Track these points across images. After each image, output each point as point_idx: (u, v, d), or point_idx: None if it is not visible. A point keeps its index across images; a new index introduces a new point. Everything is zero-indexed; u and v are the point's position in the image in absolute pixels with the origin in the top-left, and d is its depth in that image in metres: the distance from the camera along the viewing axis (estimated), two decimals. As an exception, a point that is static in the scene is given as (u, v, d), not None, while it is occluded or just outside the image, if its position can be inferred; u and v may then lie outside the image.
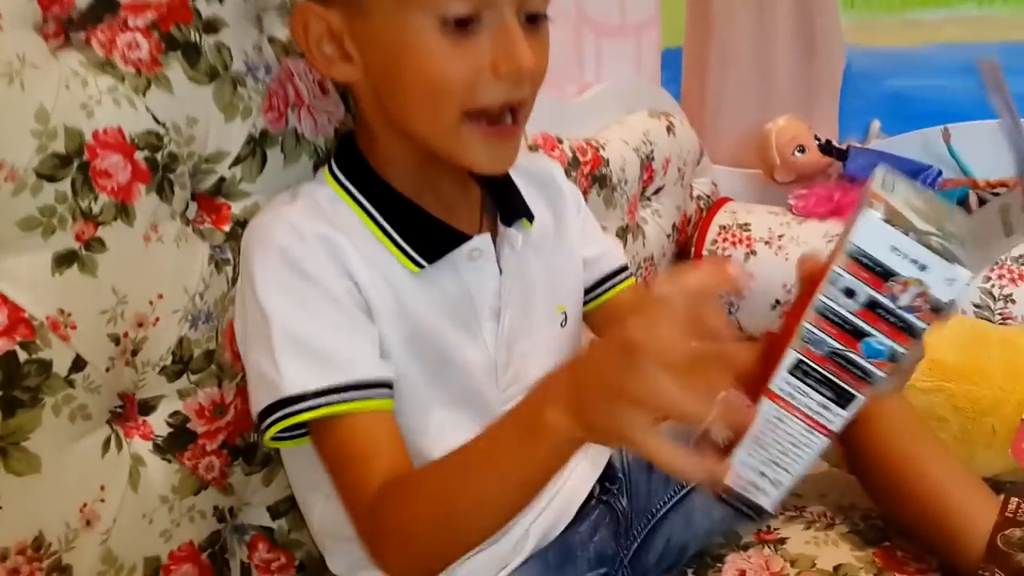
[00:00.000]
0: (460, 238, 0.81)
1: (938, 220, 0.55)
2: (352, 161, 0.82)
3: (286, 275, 0.74)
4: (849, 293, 0.55)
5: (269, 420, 0.73)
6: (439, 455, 0.74)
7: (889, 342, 0.55)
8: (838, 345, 0.56)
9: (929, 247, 0.53)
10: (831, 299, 0.55)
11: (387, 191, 0.80)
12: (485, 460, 0.65)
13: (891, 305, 0.54)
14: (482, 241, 0.82)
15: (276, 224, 0.76)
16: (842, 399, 0.58)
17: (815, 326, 0.56)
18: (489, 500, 0.65)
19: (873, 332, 0.55)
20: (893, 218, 0.53)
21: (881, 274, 0.54)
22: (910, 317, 0.54)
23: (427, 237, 0.80)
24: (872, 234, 0.53)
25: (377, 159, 0.81)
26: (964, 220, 0.60)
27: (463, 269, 0.82)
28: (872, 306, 0.55)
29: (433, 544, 0.68)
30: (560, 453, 0.61)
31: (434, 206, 0.81)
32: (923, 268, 0.53)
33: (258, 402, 0.74)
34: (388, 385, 0.75)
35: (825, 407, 0.58)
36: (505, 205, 0.87)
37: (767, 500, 0.62)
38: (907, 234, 0.53)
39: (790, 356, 0.57)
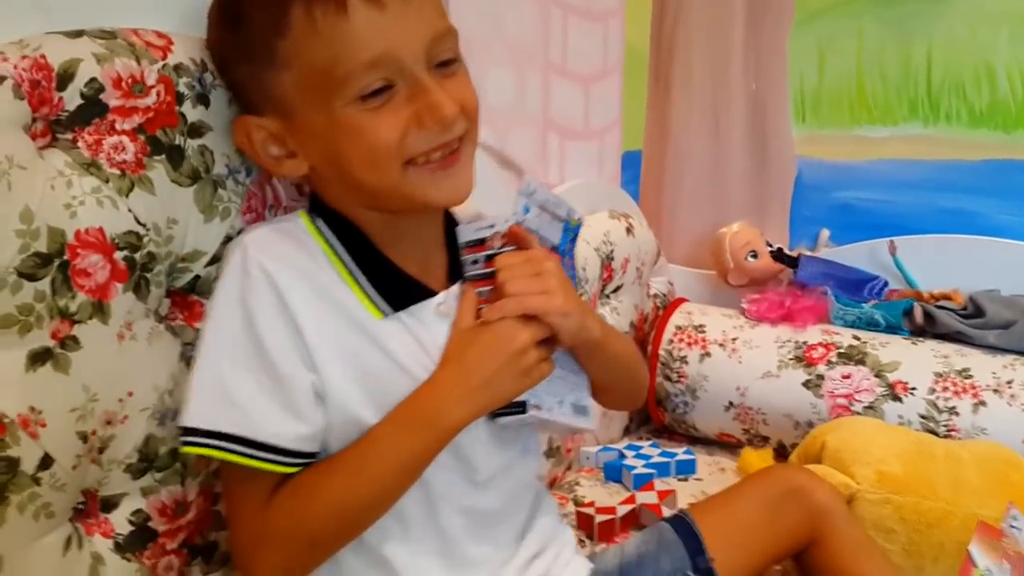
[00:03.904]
0: (428, 292, 0.84)
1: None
2: (327, 212, 0.84)
3: (235, 323, 0.76)
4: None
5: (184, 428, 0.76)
6: None
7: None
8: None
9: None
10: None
11: (360, 239, 0.83)
12: (385, 459, 0.77)
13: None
14: (448, 296, 0.85)
15: (251, 241, 0.79)
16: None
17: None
18: (386, 493, 0.78)
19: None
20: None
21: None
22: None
23: (395, 287, 0.82)
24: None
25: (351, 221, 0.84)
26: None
27: (428, 321, 0.83)
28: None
29: (325, 534, 0.77)
30: (453, 437, 0.78)
31: (405, 264, 0.84)
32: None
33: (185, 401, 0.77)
34: (295, 454, 0.76)
35: None
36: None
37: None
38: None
39: None
